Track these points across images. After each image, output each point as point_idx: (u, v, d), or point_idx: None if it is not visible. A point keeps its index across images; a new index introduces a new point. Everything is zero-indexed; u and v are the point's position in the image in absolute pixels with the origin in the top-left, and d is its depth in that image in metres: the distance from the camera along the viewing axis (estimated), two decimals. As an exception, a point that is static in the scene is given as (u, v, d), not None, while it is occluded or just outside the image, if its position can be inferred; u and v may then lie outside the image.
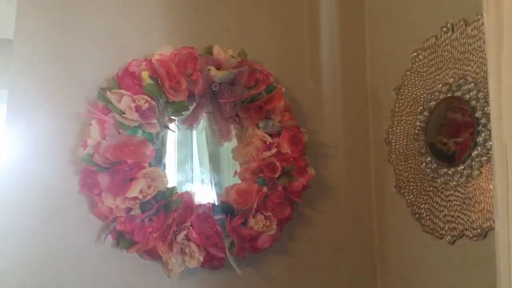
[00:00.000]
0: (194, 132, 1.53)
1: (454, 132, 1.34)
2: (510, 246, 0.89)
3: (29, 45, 1.33)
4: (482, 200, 1.21)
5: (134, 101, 1.30)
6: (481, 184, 1.22)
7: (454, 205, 1.31)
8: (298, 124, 1.52)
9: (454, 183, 1.31)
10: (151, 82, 1.34)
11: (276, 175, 1.44)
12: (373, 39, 1.72)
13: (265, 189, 1.44)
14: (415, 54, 1.48)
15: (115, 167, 1.28)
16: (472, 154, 1.25)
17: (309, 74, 1.66)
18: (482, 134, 1.22)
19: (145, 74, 1.34)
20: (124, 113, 1.30)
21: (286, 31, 1.64)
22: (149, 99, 1.33)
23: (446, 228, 1.33)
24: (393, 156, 1.57)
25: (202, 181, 1.56)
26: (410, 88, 1.51)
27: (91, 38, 1.39)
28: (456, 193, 1.30)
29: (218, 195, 1.50)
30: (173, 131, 1.46)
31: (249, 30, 1.59)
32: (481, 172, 1.22)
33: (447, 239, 1.33)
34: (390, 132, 1.59)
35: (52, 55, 1.35)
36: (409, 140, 1.51)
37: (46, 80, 1.34)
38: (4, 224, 1.27)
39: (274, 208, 1.44)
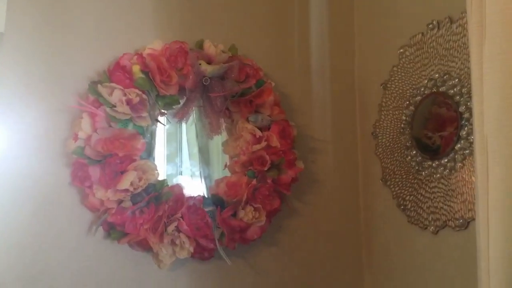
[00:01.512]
0: (184, 126, 1.54)
1: (439, 126, 1.37)
2: (489, 236, 0.92)
3: (20, 38, 1.33)
4: (464, 192, 1.25)
5: (125, 94, 1.32)
6: (464, 176, 1.26)
7: (438, 196, 1.35)
8: (287, 118, 1.55)
9: (438, 175, 1.35)
10: (142, 76, 1.35)
11: (266, 168, 1.47)
12: (362, 36, 1.75)
13: (254, 181, 1.46)
14: (402, 50, 1.51)
15: (106, 159, 1.30)
16: (456, 147, 1.29)
17: (299, 69, 1.69)
18: (465, 128, 1.26)
19: (136, 68, 1.35)
20: (115, 107, 1.31)
21: (276, 27, 1.66)
22: (140, 92, 1.34)
23: (430, 219, 1.37)
24: (380, 150, 1.61)
25: (192, 174, 1.58)
26: (397, 84, 1.54)
27: (82, 32, 1.39)
28: (440, 185, 1.34)
29: (208, 187, 1.52)
30: (164, 124, 1.47)
31: (239, 26, 1.60)
32: (463, 165, 1.27)
33: (431, 230, 1.37)
34: (377, 126, 1.63)
35: (43, 48, 1.35)
36: (395, 134, 1.55)
37: (37, 73, 1.34)
38: (-4, 216, 1.28)
39: (263, 200, 1.47)
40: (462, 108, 1.27)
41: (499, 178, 0.89)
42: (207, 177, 1.55)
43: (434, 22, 1.38)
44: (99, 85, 1.32)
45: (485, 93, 0.91)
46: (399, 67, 1.52)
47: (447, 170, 1.32)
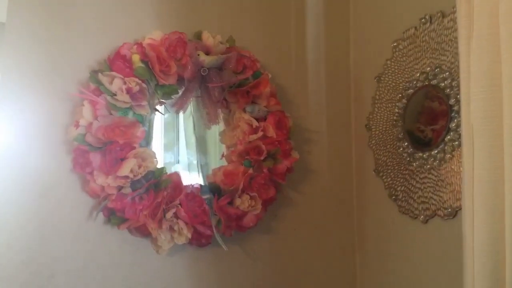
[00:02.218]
0: (181, 116, 1.58)
1: (431, 120, 1.41)
2: (474, 223, 0.97)
3: (21, 28, 1.36)
4: (453, 182, 1.30)
5: (125, 83, 1.35)
6: (453, 167, 1.30)
7: (428, 187, 1.39)
8: (283, 109, 1.59)
9: (428, 166, 1.40)
10: (142, 65, 1.38)
11: (262, 158, 1.51)
12: (357, 29, 1.78)
13: (251, 170, 1.50)
14: (395, 44, 1.55)
15: (106, 146, 1.33)
16: (445, 139, 1.33)
17: (295, 62, 1.72)
18: (455, 120, 1.30)
19: (136, 58, 1.38)
20: (116, 95, 1.34)
21: (273, 19, 1.69)
22: (139, 81, 1.37)
23: (420, 209, 1.42)
24: (373, 142, 1.65)
25: (190, 162, 1.61)
26: (390, 77, 1.58)
27: (83, 21, 1.42)
28: (430, 176, 1.39)
29: (206, 176, 1.56)
30: (162, 113, 1.51)
31: (237, 17, 1.64)
32: (453, 156, 1.31)
33: (421, 219, 1.41)
34: (370, 119, 1.67)
35: (44, 38, 1.37)
36: (388, 126, 1.59)
37: (38, 62, 1.36)
38: (0, 200, 1.31)
39: (259, 189, 1.51)
40: (452, 101, 1.31)
41: (483, 167, 0.94)
42: (204, 166, 1.59)
43: (427, 17, 1.41)
44: (99, 74, 1.35)
45: (472, 85, 0.96)
46: (392, 60, 1.56)
47: (437, 161, 1.36)
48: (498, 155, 0.92)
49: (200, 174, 1.58)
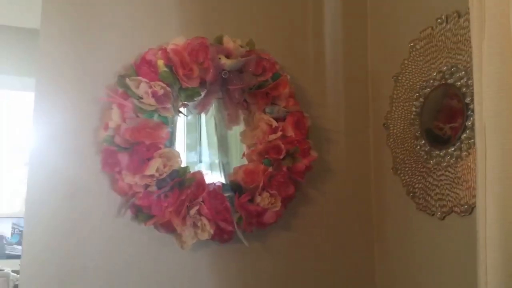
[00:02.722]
0: (203, 117, 1.65)
1: (450, 117, 1.43)
2: (487, 218, 0.99)
3: (54, 35, 1.45)
4: (469, 179, 1.32)
5: (150, 87, 1.42)
6: (469, 164, 1.32)
7: (445, 184, 1.41)
8: (302, 110, 1.63)
9: (445, 164, 1.42)
10: (166, 69, 1.45)
11: (281, 157, 1.56)
12: (374, 30, 1.81)
13: (270, 169, 1.55)
14: (412, 44, 1.57)
15: (134, 147, 1.40)
16: (462, 137, 1.35)
17: (313, 63, 1.76)
18: (471, 118, 1.32)
19: (160, 62, 1.45)
20: (142, 98, 1.41)
21: (291, 22, 1.74)
22: (164, 85, 1.44)
23: (437, 206, 1.44)
24: (391, 140, 1.68)
25: (212, 162, 1.68)
26: (407, 76, 1.60)
27: (111, 29, 1.50)
28: (447, 173, 1.41)
29: (227, 174, 1.62)
30: (185, 115, 1.57)
31: (256, 21, 1.69)
32: (469, 154, 1.33)
33: (438, 216, 1.44)
34: (388, 117, 1.70)
35: (75, 44, 1.46)
36: (405, 124, 1.61)
37: (70, 68, 1.45)
38: (35, 199, 1.40)
39: (279, 187, 1.55)
40: (468, 99, 1.33)
41: (495, 164, 0.96)
42: (226, 165, 1.65)
43: (443, 17, 1.44)
44: (127, 79, 1.43)
45: (484, 84, 0.98)
46: (409, 60, 1.59)
47: (454, 159, 1.38)
48: (509, 153, 0.94)
49: (222, 173, 1.65)
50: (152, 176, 1.40)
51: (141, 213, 1.44)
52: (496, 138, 0.96)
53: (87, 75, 1.47)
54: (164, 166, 1.42)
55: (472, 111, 1.31)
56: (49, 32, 1.45)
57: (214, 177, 1.62)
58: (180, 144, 1.60)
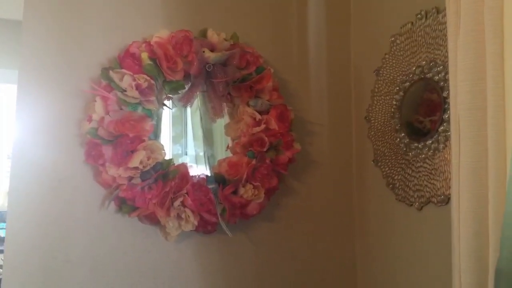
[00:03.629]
0: (188, 110, 1.66)
1: (430, 111, 1.47)
2: (460, 208, 1.03)
3: (37, 27, 1.44)
4: (446, 170, 1.36)
5: (134, 80, 1.42)
6: (446, 156, 1.36)
7: (423, 175, 1.45)
8: (285, 103, 1.65)
9: (423, 156, 1.46)
10: (150, 62, 1.46)
11: (265, 149, 1.58)
12: (357, 24, 1.84)
13: (254, 161, 1.57)
14: (393, 38, 1.60)
15: (117, 140, 1.41)
16: (439, 129, 1.39)
17: (297, 57, 1.78)
18: (448, 112, 1.36)
19: (144, 55, 1.46)
20: (126, 91, 1.42)
21: (275, 16, 1.75)
22: (148, 78, 1.44)
23: (415, 196, 1.48)
24: (372, 133, 1.72)
25: (197, 154, 1.69)
26: (388, 70, 1.64)
27: (95, 21, 1.50)
28: (425, 165, 1.45)
29: (212, 167, 1.63)
30: (170, 108, 1.58)
31: (241, 15, 1.70)
32: (445, 146, 1.37)
33: (416, 206, 1.48)
34: (370, 111, 1.73)
35: (59, 36, 1.45)
36: (386, 118, 1.65)
37: (53, 60, 1.45)
38: (18, 191, 1.40)
39: (262, 179, 1.58)
40: (445, 93, 1.36)
41: (468, 156, 1.00)
42: (210, 157, 1.67)
43: (422, 12, 1.47)
44: (110, 71, 1.43)
45: (458, 79, 1.02)
46: (390, 54, 1.62)
47: (431, 151, 1.42)
48: (482, 145, 0.98)
49: (207, 165, 1.66)
50: (136, 168, 1.41)
51: (125, 205, 1.45)
52: (470, 131, 0.99)
53: (70, 67, 1.46)
54: (148, 159, 1.43)
55: (449, 104, 1.35)
56: (32, 24, 1.44)
57: (200, 169, 1.63)
58: (166, 136, 1.61)
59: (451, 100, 1.06)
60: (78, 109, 1.46)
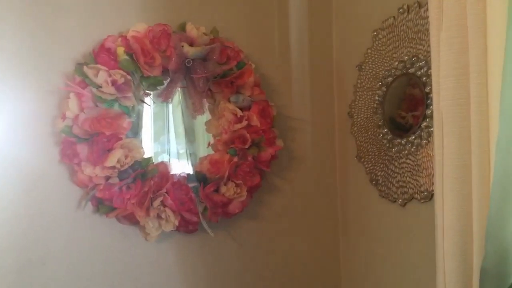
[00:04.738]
0: (170, 106, 1.61)
1: (412, 106, 1.46)
2: (444, 205, 1.02)
3: (7, 20, 1.37)
4: (429, 166, 1.35)
5: (110, 75, 1.37)
6: (429, 152, 1.35)
7: (406, 171, 1.45)
8: (267, 99, 1.62)
9: (406, 152, 1.45)
10: (126, 57, 1.41)
11: (246, 146, 1.55)
12: (339, 18, 1.81)
13: (236, 159, 1.54)
14: (375, 33, 1.58)
15: (93, 138, 1.36)
16: (422, 125, 1.38)
17: (278, 51, 1.75)
18: (431, 107, 1.34)
19: (120, 50, 1.40)
20: (101, 87, 1.37)
21: (256, 10, 1.72)
22: (124, 73, 1.39)
23: (399, 193, 1.47)
24: (355, 129, 1.70)
25: (178, 152, 1.65)
26: (370, 65, 1.62)
27: (68, 14, 1.43)
28: (408, 161, 1.44)
29: (194, 165, 1.60)
30: (148, 104, 1.53)
31: (221, 8, 1.65)
32: (428, 142, 1.36)
33: (399, 202, 1.47)
34: (352, 106, 1.71)
35: (30, 30, 1.39)
36: (369, 113, 1.63)
37: (25, 54, 1.38)
38: (-12, 192, 1.34)
39: (244, 176, 1.55)
40: (428, 89, 1.35)
41: (452, 152, 0.99)
42: (192, 155, 1.63)
43: (404, 7, 1.45)
44: (85, 67, 1.37)
45: (441, 74, 1.00)
46: (373, 49, 1.60)
47: (414, 147, 1.41)
48: (465, 141, 0.97)
49: (190, 163, 1.62)
50: (113, 167, 1.37)
51: (102, 206, 1.41)
52: (453, 127, 0.98)
53: (43, 63, 1.40)
54: (126, 157, 1.39)
55: (432, 99, 1.34)
56: (3, 16, 1.37)
57: (182, 167, 1.59)
58: (147, 133, 1.56)
59: (434, 96, 1.05)
60: (52, 106, 1.40)
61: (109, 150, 1.37)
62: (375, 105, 1.59)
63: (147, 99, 1.52)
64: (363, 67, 1.65)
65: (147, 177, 1.44)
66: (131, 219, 1.44)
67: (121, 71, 1.39)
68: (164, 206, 1.45)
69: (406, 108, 1.48)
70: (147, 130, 1.56)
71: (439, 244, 1.05)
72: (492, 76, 0.91)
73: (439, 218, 1.04)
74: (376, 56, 1.59)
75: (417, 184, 1.40)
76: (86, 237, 1.44)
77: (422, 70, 1.38)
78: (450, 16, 0.99)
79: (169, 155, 1.62)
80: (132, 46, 1.41)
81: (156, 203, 1.43)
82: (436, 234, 1.07)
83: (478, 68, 0.93)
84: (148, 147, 1.53)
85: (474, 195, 0.94)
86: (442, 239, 1.03)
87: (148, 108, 1.54)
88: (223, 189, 1.52)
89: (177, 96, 1.57)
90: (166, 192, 1.46)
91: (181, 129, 1.65)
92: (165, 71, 1.48)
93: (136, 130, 1.49)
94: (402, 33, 1.47)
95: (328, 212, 1.79)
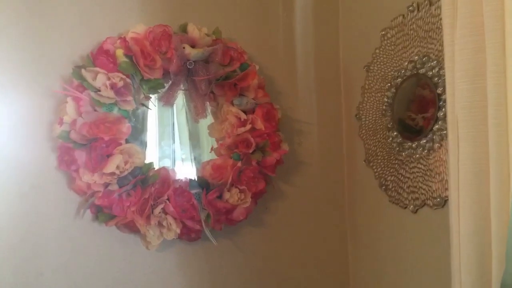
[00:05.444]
0: (175, 110, 1.56)
1: (422, 108, 1.40)
2: (460, 214, 0.96)
3: (3, 23, 1.33)
4: (442, 171, 1.29)
5: (109, 78, 1.33)
6: (441, 156, 1.29)
7: (417, 176, 1.38)
8: (272, 101, 1.57)
9: (417, 155, 1.39)
10: (126, 60, 1.36)
11: (250, 151, 1.50)
12: (346, 18, 1.76)
13: (239, 164, 1.49)
14: (383, 32, 1.53)
15: (91, 143, 1.32)
16: (434, 128, 1.32)
17: (283, 52, 1.70)
18: (443, 109, 1.28)
19: (119, 52, 1.36)
20: (100, 91, 1.32)
21: (260, 10, 1.66)
22: (124, 76, 1.35)
23: (410, 198, 1.41)
24: (363, 131, 1.64)
25: (182, 157, 1.60)
26: (379, 66, 1.56)
27: (66, 16, 1.39)
28: (419, 165, 1.38)
29: (197, 170, 1.55)
30: (149, 108, 1.49)
31: (223, 9, 1.61)
32: (441, 145, 1.30)
33: (410, 208, 1.41)
34: (360, 108, 1.65)
35: (27, 33, 1.34)
36: (377, 116, 1.57)
37: (21, 58, 1.34)
38: (-16, 200, 1.30)
39: (249, 182, 1.50)
40: (439, 90, 1.29)
41: (468, 157, 0.93)
42: (196, 160, 1.58)
43: (414, 5, 1.39)
44: (83, 70, 1.33)
45: (456, 75, 0.94)
46: (381, 49, 1.54)
47: (426, 151, 1.35)
48: (482, 146, 0.91)
49: (194, 168, 1.57)
50: (112, 174, 1.32)
51: (101, 213, 1.36)
52: (469, 131, 0.92)
53: (39, 66, 1.36)
54: (125, 163, 1.34)
55: (444, 101, 1.28)
56: (1, 18, 1.33)
57: (186, 172, 1.54)
58: (152, 139, 1.51)
59: (448, 99, 0.99)
60: (49, 111, 1.36)
61: (108, 155, 1.33)
62: (383, 107, 1.54)
63: (148, 103, 1.47)
64: (371, 67, 1.60)
65: (147, 183, 1.39)
66: (132, 227, 1.39)
67: (120, 74, 1.34)
68: (166, 213, 1.41)
69: (415, 109, 1.42)
70: (151, 135, 1.51)
71: (455, 255, 0.99)
72: (511, 77, 0.85)
73: (455, 227, 0.98)
74: (384, 56, 1.53)
75: (429, 190, 1.33)
76: (85, 247, 1.39)
77: (433, 71, 1.32)
78: (464, 13, 0.93)
79: (174, 160, 1.57)
80: (132, 48, 1.36)
81: (157, 210, 1.39)
82: (452, 244, 1.01)
83: (495, 68, 0.87)
84: (152, 152, 1.48)
85: (492, 204, 0.88)
86: (458, 250, 0.97)
87: (153, 112, 1.49)
88: (226, 195, 1.47)
89: (181, 99, 1.53)
90: (167, 199, 1.41)
91: (186, 134, 1.60)
92: (166, 74, 1.43)
93: (137, 135, 1.45)
94: (412, 32, 1.41)
95: (336, 219, 1.73)
